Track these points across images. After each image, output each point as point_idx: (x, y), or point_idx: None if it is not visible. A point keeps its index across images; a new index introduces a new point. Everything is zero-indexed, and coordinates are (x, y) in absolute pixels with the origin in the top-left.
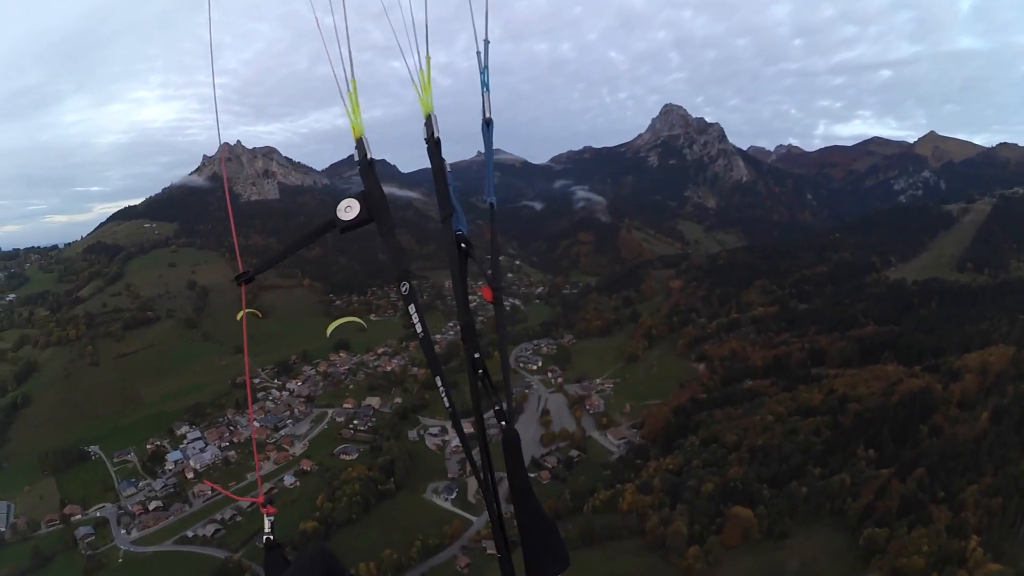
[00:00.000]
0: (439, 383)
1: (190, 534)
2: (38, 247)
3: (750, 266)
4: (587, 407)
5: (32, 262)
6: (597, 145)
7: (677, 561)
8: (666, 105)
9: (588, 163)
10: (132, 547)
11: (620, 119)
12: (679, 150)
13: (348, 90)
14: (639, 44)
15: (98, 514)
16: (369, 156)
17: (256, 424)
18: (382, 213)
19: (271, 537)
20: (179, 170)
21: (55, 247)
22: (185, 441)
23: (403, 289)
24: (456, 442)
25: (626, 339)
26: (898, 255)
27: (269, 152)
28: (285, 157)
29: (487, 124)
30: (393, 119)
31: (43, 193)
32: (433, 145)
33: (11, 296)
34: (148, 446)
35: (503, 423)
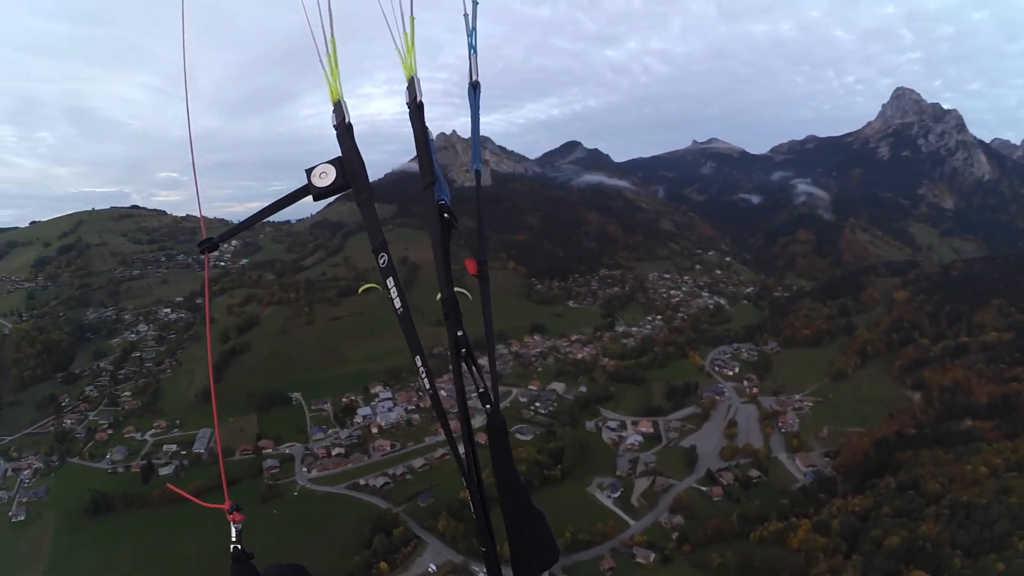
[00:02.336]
0: (419, 364)
1: (361, 482)
2: (272, 221)
3: (988, 281)
4: (779, 424)
5: (265, 234)
6: (822, 134)
7: None
8: (897, 89)
9: (811, 154)
10: (308, 484)
11: (848, 105)
12: (912, 140)
13: (328, 52)
14: (866, 20)
15: (287, 451)
16: (347, 120)
17: (221, 433)
18: (359, 180)
19: (239, 547)
20: (402, 157)
21: (287, 222)
22: (376, 399)
23: (381, 261)
24: (631, 439)
25: (836, 353)
26: None
27: (483, 142)
28: (498, 146)
29: (474, 88)
30: (608, 107)
31: (283, 176)
32: (415, 109)
33: (244, 261)
34: (344, 399)
35: (487, 407)
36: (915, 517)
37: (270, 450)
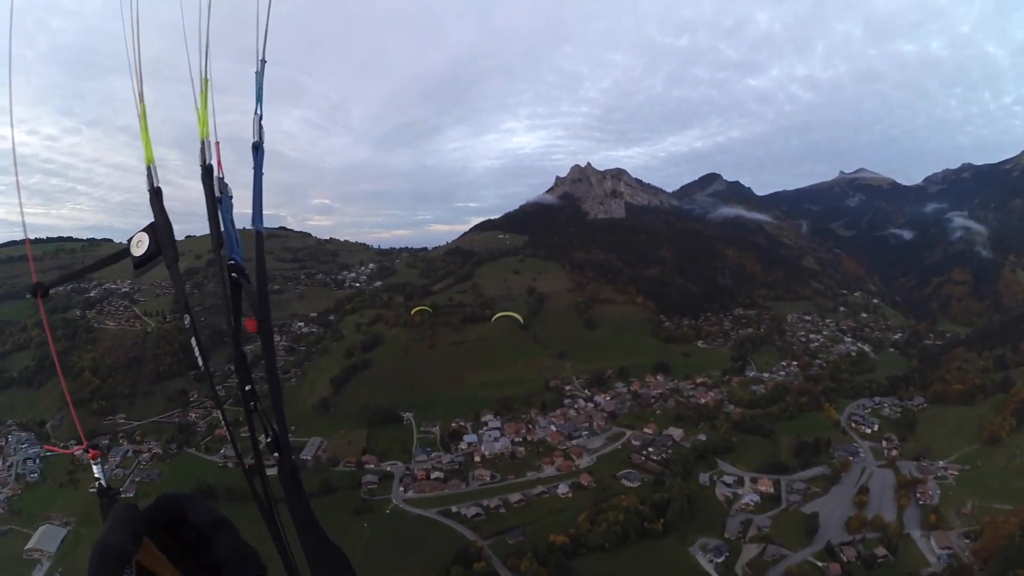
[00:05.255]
0: (222, 420)
1: (454, 509)
2: (410, 247)
3: None
4: (917, 495)
5: (402, 259)
6: (978, 161)
7: None
8: None
9: (967, 183)
10: (402, 503)
11: (1007, 129)
12: None
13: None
14: (1019, 32)
15: (388, 468)
16: (156, 184)
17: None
18: (167, 244)
19: (102, 482)
20: (539, 190)
21: (424, 249)
22: (485, 428)
23: (185, 322)
24: (747, 498)
25: (991, 412)
26: None
27: (618, 173)
28: (635, 178)
29: (255, 148)
30: (753, 138)
31: (429, 206)
32: (205, 173)
33: (378, 283)
34: (452, 424)
35: (276, 454)
36: None
37: (372, 465)
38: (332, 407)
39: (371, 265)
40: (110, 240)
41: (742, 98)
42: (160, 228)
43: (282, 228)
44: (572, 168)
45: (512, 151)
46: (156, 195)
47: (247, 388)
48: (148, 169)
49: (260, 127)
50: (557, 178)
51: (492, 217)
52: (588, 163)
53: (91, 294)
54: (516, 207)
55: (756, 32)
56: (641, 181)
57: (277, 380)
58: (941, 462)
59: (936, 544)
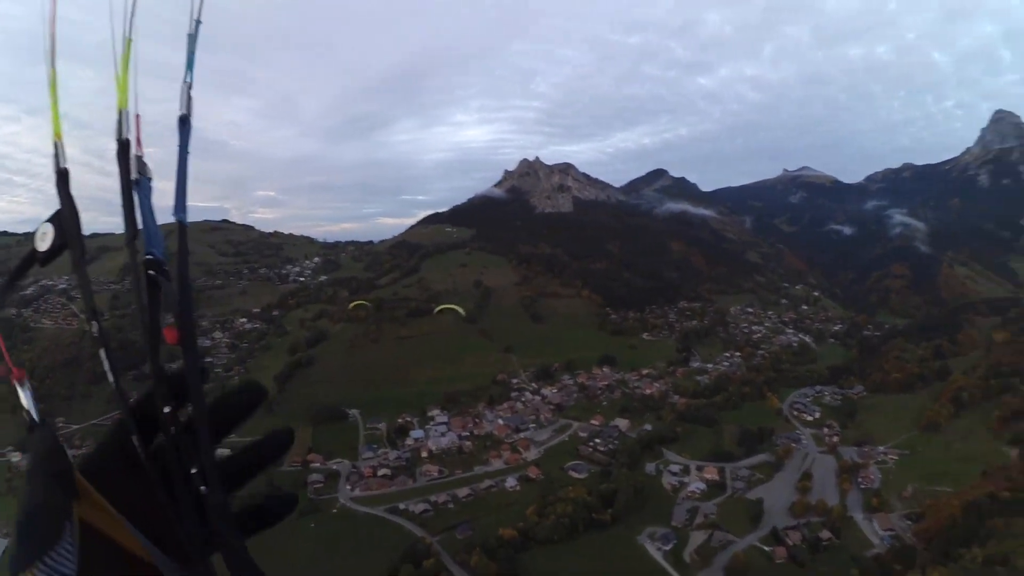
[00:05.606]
0: (135, 440)
1: (402, 506)
2: (356, 241)
3: None
4: (859, 479)
5: (348, 253)
6: (919, 162)
7: None
8: (996, 112)
9: (907, 182)
10: (349, 502)
11: (948, 131)
12: (1014, 167)
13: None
14: (964, 40)
15: (334, 467)
16: (63, 164)
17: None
18: (74, 237)
19: (32, 413)
20: (487, 183)
21: (370, 242)
22: (431, 423)
23: (92, 330)
24: (693, 486)
25: (928, 400)
26: None
27: (566, 168)
28: (583, 173)
29: (182, 122)
30: (700, 136)
31: (377, 199)
32: (122, 148)
33: (323, 277)
34: (399, 420)
35: (202, 488)
36: None
37: (318, 464)
38: (276, 405)
39: (316, 259)
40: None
41: (691, 97)
42: (66, 218)
43: (224, 221)
44: (520, 162)
45: (462, 144)
46: (62, 177)
47: (166, 410)
48: (55, 146)
49: (189, 98)
50: (505, 172)
51: (440, 210)
52: (536, 157)
53: (27, 291)
54: (464, 200)
55: (706, 33)
56: (589, 176)
57: (202, 401)
58: (882, 447)
59: (879, 526)
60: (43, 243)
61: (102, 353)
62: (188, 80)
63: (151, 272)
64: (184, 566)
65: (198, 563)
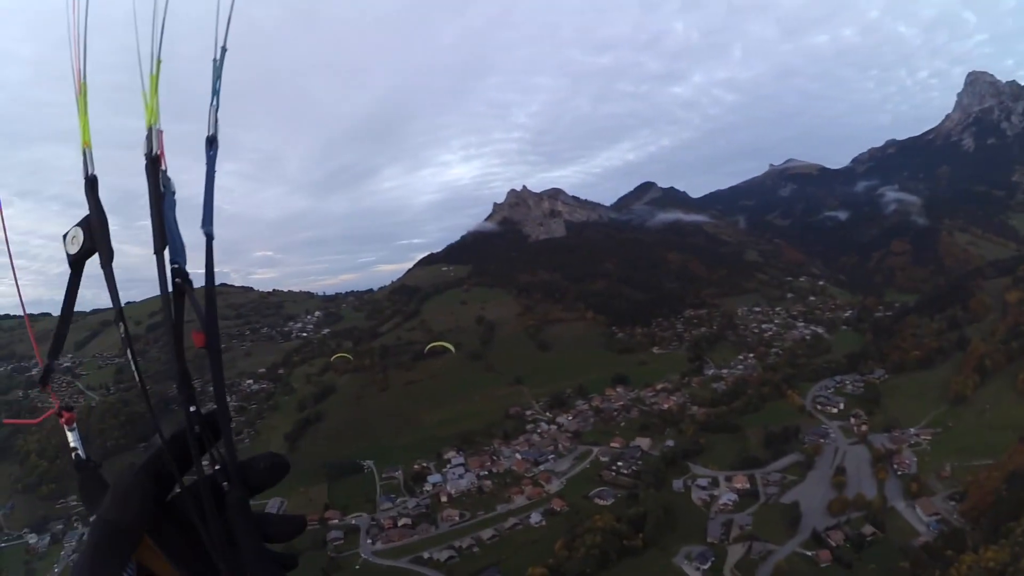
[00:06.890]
0: (162, 443)
1: (426, 555)
2: (355, 291)
3: None
4: (894, 466)
5: (348, 303)
6: (902, 136)
7: None
8: (970, 74)
9: (893, 158)
10: (372, 557)
11: (926, 102)
12: (996, 125)
13: (78, 94)
14: (927, 10)
15: (353, 522)
16: (92, 171)
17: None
18: (103, 241)
19: (79, 452)
20: (479, 219)
21: (370, 290)
22: (448, 466)
23: (120, 332)
24: (724, 498)
25: (952, 373)
26: None
27: (555, 193)
28: (572, 196)
29: (210, 143)
30: (683, 144)
31: (372, 247)
32: (151, 163)
33: (326, 331)
34: (415, 466)
35: (225, 484)
36: None
37: (336, 520)
38: (289, 465)
39: (317, 313)
40: (48, 314)
41: (668, 107)
42: (94, 223)
43: (224, 284)
44: (509, 193)
45: (450, 183)
46: (91, 184)
47: (192, 409)
48: (84, 153)
49: (216, 120)
50: (495, 204)
51: (435, 251)
52: (524, 186)
53: (32, 372)
54: (458, 239)
55: (674, 42)
56: (578, 198)
57: (225, 401)
58: (912, 429)
59: (923, 512)
60: (73, 247)
61: (128, 354)
62: (214, 104)
63: (178, 280)
64: None
65: None
